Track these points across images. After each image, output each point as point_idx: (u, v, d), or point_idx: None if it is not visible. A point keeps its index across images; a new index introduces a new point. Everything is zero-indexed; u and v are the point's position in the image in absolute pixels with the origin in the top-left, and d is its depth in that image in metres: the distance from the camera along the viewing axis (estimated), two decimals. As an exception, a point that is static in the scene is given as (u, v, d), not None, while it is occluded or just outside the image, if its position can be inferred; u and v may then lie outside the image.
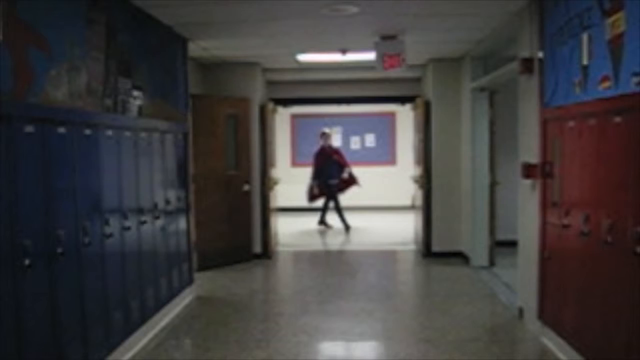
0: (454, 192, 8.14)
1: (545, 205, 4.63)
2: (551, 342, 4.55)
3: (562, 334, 4.32)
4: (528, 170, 4.90)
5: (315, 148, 11.13)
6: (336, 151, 11.26)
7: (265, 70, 8.70)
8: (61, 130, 3.53)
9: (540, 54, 4.70)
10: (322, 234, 10.58)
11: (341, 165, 10.96)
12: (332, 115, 13.26)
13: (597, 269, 3.71)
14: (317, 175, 10.88)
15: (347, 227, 10.66)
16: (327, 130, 11.44)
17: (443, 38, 6.66)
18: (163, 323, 5.31)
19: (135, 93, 4.83)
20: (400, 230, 10.42)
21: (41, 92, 3.37)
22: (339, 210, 10.77)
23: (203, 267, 7.29)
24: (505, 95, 7.08)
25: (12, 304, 3.02)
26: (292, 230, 10.58)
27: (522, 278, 5.33)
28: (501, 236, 7.42)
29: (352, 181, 10.96)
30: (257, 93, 8.31)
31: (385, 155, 13.81)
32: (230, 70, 8.17)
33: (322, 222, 11.06)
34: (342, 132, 13.87)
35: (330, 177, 10.86)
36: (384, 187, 13.42)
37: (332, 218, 10.85)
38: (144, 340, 4.83)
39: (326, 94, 9.54)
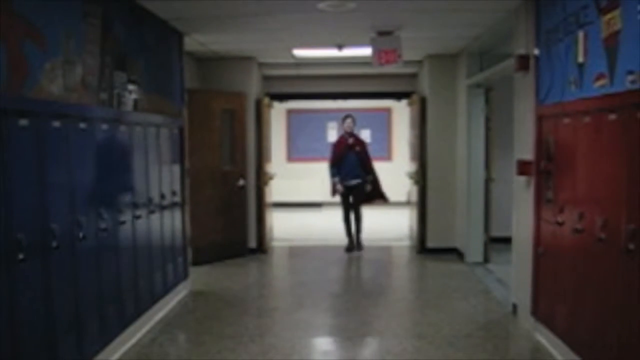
0: (449, 188, 8.15)
1: (540, 202, 4.65)
2: (544, 338, 4.57)
3: (555, 331, 4.34)
4: (523, 167, 4.91)
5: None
6: (359, 141, 8.46)
7: (261, 65, 8.68)
8: (56, 124, 3.52)
9: (536, 51, 4.71)
10: (316, 230, 10.53)
11: (363, 162, 8.32)
12: (328, 110, 13.26)
13: (591, 266, 3.73)
14: (333, 173, 8.37)
15: (356, 245, 8.48)
16: (350, 114, 8.68)
17: (439, 34, 6.66)
18: (157, 317, 5.31)
19: (131, 87, 4.81)
20: (395, 226, 10.43)
21: (36, 86, 3.36)
22: (357, 221, 8.43)
23: (198, 262, 7.29)
24: (501, 92, 7.09)
25: (6, 298, 3.01)
26: (287, 226, 10.58)
27: (516, 274, 5.35)
28: (496, 233, 7.45)
29: (376, 194, 8.50)
30: (253, 88, 8.30)
31: (381, 151, 13.79)
32: (226, 64, 8.15)
33: (353, 245, 8.49)
34: (337, 128, 13.87)
35: (348, 175, 8.26)
36: (380, 182, 13.43)
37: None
38: (139, 335, 4.83)
39: (322, 89, 9.52)
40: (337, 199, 8.53)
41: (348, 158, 8.26)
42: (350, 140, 8.36)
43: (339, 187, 8.26)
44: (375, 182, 8.41)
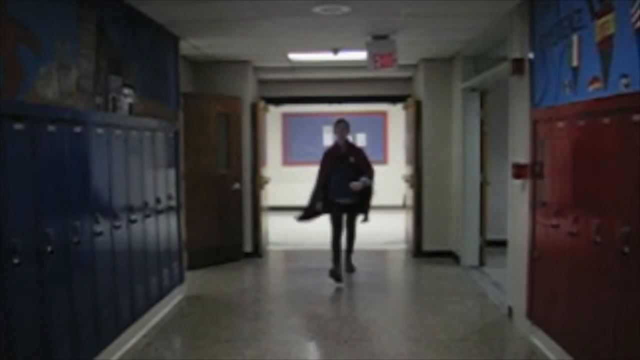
0: (444, 191, 8.17)
1: (535, 205, 4.66)
2: (540, 341, 4.57)
3: (551, 333, 4.35)
4: (518, 171, 4.92)
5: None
6: (355, 150, 7.10)
7: (257, 68, 8.69)
8: (51, 128, 3.51)
9: (531, 55, 4.72)
10: (312, 234, 10.47)
11: (362, 173, 6.83)
12: (324, 114, 13.24)
13: (586, 269, 3.74)
14: (322, 187, 6.97)
15: (346, 267, 7.36)
16: (343, 118, 7.19)
17: (434, 38, 6.68)
18: (153, 322, 5.29)
19: (126, 91, 4.81)
20: (391, 229, 10.43)
21: (31, 90, 3.35)
22: (349, 239, 7.33)
23: (194, 266, 7.26)
24: (496, 95, 7.11)
25: (1, 303, 2.99)
26: (283, 230, 10.55)
27: (511, 277, 5.36)
28: (491, 236, 7.46)
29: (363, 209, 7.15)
30: (249, 92, 8.31)
31: (376, 154, 13.76)
32: (222, 68, 8.16)
33: (339, 274, 6.87)
34: (332, 132, 13.88)
35: (339, 192, 6.84)
36: (375, 186, 13.41)
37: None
38: (134, 339, 4.81)
39: (318, 93, 9.55)
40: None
41: (340, 171, 6.83)
42: (344, 149, 6.95)
43: (320, 206, 7.02)
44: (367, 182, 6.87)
